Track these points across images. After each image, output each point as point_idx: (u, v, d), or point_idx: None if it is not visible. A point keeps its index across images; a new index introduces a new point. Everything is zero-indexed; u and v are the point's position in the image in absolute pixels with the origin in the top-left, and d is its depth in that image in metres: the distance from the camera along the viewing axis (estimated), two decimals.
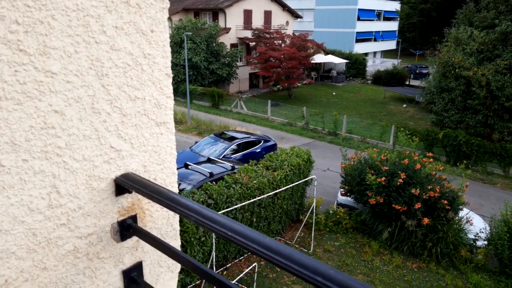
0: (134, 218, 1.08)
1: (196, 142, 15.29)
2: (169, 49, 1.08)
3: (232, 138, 14.88)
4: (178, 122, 21.32)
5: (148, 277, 1.18)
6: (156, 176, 1.12)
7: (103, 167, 0.99)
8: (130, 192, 1.05)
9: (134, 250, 1.12)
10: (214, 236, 7.82)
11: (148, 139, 1.08)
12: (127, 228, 1.06)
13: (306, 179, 10.69)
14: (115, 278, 1.09)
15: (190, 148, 14.89)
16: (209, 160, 12.35)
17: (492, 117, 18.48)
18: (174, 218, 1.20)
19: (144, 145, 1.08)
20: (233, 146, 14.39)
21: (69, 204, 0.95)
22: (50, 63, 0.85)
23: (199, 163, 12.19)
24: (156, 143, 1.11)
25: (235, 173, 9.80)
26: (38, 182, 0.89)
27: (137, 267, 1.14)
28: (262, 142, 15.36)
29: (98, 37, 0.92)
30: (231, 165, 11.70)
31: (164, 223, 1.18)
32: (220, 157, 13.51)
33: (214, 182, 9.23)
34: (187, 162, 11.62)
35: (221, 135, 15.26)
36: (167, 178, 1.16)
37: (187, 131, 20.38)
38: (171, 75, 1.11)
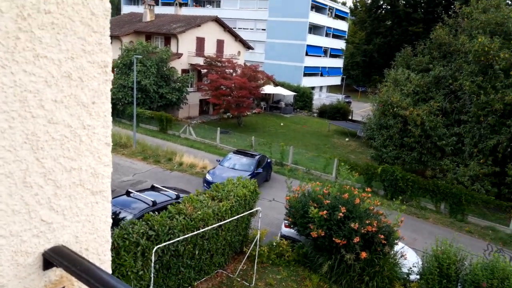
0: None
1: (218, 160, 18.06)
2: (110, 119, 1.08)
3: (251, 155, 17.93)
4: (122, 146, 20.65)
5: None
6: (88, 246, 1.09)
7: (31, 241, 0.95)
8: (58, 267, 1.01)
9: None
10: (153, 270, 7.53)
11: (82, 209, 1.06)
12: None
13: (252, 210, 10.72)
14: None
15: (219, 164, 17.30)
16: (153, 188, 12.02)
17: (426, 154, 19.84)
18: None
19: (78, 215, 1.05)
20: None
21: None
22: None
23: (142, 191, 11.83)
24: (91, 212, 1.08)
25: (179, 202, 9.60)
26: None
27: None
28: (266, 158, 18.67)
29: (36, 111, 0.91)
30: (176, 193, 11.46)
31: None
32: (254, 171, 16.70)
33: (156, 212, 8.97)
34: (129, 190, 11.23)
35: (238, 152, 18.30)
36: (100, 247, 1.13)
37: (131, 155, 19.76)
38: (111, 144, 1.11)
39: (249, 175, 15.83)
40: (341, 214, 9.72)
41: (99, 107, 1.05)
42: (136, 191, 11.37)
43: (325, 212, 9.84)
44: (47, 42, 0.90)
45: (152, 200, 10.43)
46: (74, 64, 0.96)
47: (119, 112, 26.76)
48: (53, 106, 0.94)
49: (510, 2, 23.52)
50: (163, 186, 12.34)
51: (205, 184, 15.83)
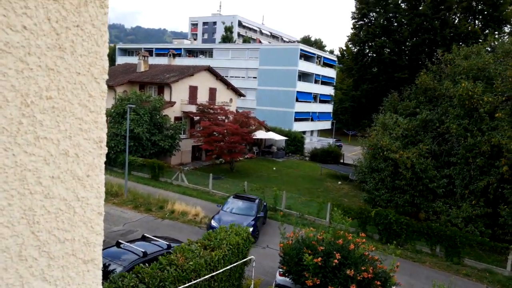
0: None
1: (219, 205, 18.21)
2: (103, 189, 1.15)
3: (251, 199, 18.13)
4: (113, 194, 20.43)
5: None
6: None
7: None
8: None
9: None
10: None
11: (73, 278, 1.10)
12: None
13: (245, 259, 10.51)
14: None
15: (221, 210, 17.29)
16: (144, 238, 11.82)
17: (418, 197, 19.87)
18: None
19: (69, 285, 1.09)
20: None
21: None
22: None
23: (132, 241, 11.60)
24: (82, 280, 1.12)
25: (170, 253, 9.42)
26: None
27: None
28: (263, 202, 19.03)
29: (33, 188, 0.97)
30: (167, 243, 11.26)
31: None
32: (256, 215, 16.79)
33: (147, 263, 8.76)
34: (119, 240, 11.02)
35: (237, 197, 18.44)
36: None
37: (122, 204, 19.52)
38: (103, 212, 1.16)
39: (252, 220, 16.34)
40: (336, 260, 9.57)
41: (93, 180, 1.12)
42: (127, 241, 11.16)
43: (319, 259, 9.68)
44: (47, 125, 0.98)
45: (143, 251, 10.23)
46: (71, 142, 1.04)
47: (111, 160, 26.72)
48: (50, 182, 1.01)
49: (489, 49, 24.70)
50: (154, 236, 12.13)
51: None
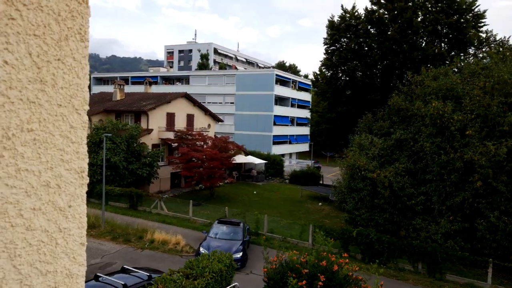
0: None
1: (204, 232, 18.13)
2: (85, 219, 1.15)
3: (235, 223, 18.36)
4: (90, 226, 19.79)
5: None
6: None
7: None
8: None
9: None
10: None
11: None
12: None
13: (229, 287, 10.32)
14: None
15: (208, 236, 17.28)
16: (123, 270, 11.47)
17: (397, 215, 20.11)
18: None
19: None
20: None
21: None
22: None
23: (111, 274, 11.24)
24: None
25: (151, 284, 9.17)
26: None
27: None
28: (246, 225, 19.18)
29: (15, 220, 0.97)
30: (148, 274, 10.97)
31: None
32: (243, 238, 17.05)
33: None
34: (98, 274, 10.65)
35: (222, 222, 18.56)
36: None
37: (100, 236, 18.93)
38: (86, 243, 1.16)
39: (240, 244, 16.54)
40: (320, 283, 9.49)
41: (75, 210, 1.12)
42: (105, 274, 10.81)
43: (304, 282, 9.58)
44: (28, 157, 0.99)
45: (123, 283, 9.92)
46: (53, 173, 1.05)
47: (87, 191, 26.05)
48: (31, 214, 1.01)
49: (456, 70, 25.80)
50: (134, 267, 11.80)
51: None
